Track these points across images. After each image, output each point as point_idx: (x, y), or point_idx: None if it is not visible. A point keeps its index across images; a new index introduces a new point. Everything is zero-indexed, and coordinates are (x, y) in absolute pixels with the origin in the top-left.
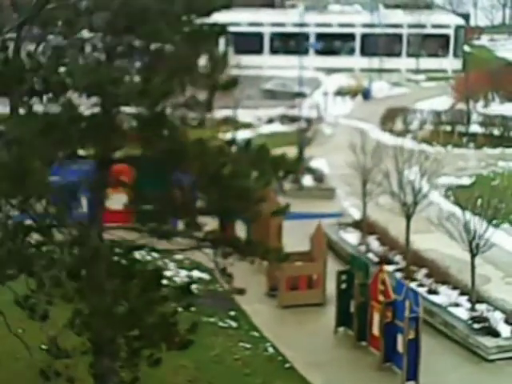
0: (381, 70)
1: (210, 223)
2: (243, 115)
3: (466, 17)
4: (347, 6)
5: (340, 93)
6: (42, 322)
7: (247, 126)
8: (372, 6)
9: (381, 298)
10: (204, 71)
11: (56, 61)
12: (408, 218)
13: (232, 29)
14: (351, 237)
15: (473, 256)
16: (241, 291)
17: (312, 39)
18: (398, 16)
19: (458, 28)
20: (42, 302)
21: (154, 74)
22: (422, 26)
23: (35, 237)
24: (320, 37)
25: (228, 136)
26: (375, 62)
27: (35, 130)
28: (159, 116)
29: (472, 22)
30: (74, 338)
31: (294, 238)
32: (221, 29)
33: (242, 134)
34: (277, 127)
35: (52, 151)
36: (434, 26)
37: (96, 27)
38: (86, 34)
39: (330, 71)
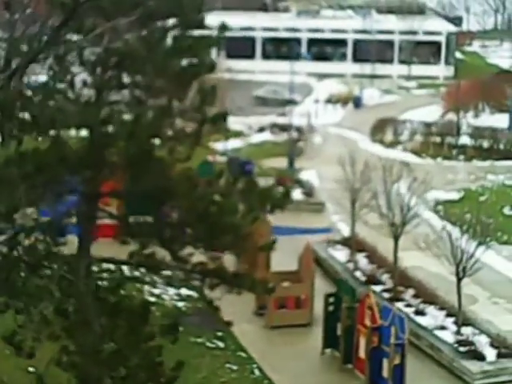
0: (372, 76)
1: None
2: (234, 123)
3: (459, 20)
4: (339, 11)
5: (331, 100)
6: (29, 359)
7: (238, 134)
8: (364, 12)
9: (367, 322)
10: (193, 105)
11: (46, 97)
12: (396, 238)
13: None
14: (340, 254)
15: (459, 279)
16: (228, 323)
17: (304, 45)
18: (391, 22)
19: (449, 35)
20: (29, 338)
21: (143, 110)
22: (414, 33)
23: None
24: (312, 42)
25: (219, 145)
26: (367, 68)
27: (24, 172)
28: (147, 152)
29: (464, 27)
30: (61, 374)
31: (283, 254)
32: (210, 66)
33: (233, 144)
34: (267, 136)
35: (41, 192)
36: (426, 33)
37: (86, 62)
38: (76, 69)
39: (322, 76)
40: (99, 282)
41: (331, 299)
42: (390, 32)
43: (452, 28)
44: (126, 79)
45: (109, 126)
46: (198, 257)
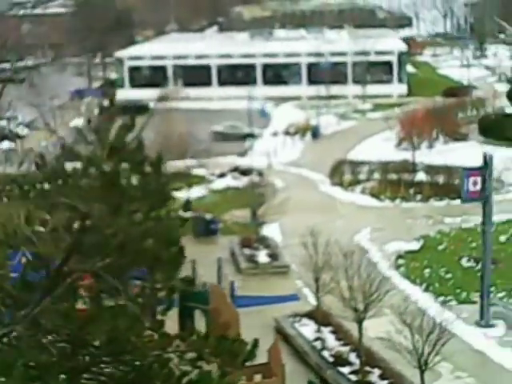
0: (328, 98)
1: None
2: (196, 167)
3: (409, 20)
4: (292, 31)
5: (289, 132)
6: None
7: (200, 180)
8: (317, 31)
9: None
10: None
11: None
12: (360, 322)
13: (180, 62)
14: (306, 330)
15: (422, 372)
16: None
17: (259, 70)
18: (343, 39)
19: (401, 54)
20: None
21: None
22: (366, 53)
23: None
24: (267, 66)
25: (182, 194)
26: (322, 90)
27: None
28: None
29: (414, 31)
30: None
31: (252, 330)
32: (180, 250)
33: (196, 191)
34: (229, 181)
35: None
36: (378, 53)
37: None
38: None
39: (279, 100)
40: None
41: None
42: (343, 54)
43: (403, 46)
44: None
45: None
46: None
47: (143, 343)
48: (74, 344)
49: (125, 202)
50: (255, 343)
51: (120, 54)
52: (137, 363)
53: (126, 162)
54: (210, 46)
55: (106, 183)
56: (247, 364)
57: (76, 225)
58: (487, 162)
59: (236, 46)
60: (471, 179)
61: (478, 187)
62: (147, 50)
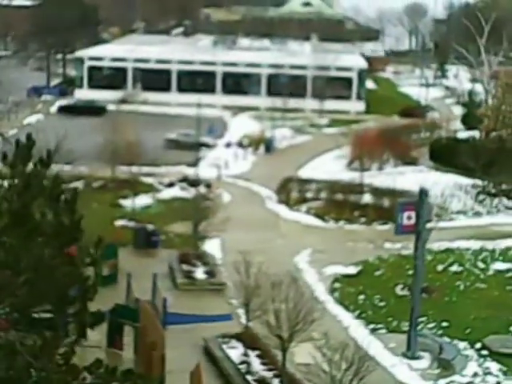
0: (286, 111)
1: None
2: (145, 174)
3: (377, 33)
4: (256, 41)
5: (242, 144)
6: None
7: (148, 189)
8: (280, 42)
9: None
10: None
11: None
12: (284, 351)
13: (140, 65)
14: (234, 353)
15: None
16: None
17: (219, 79)
18: (306, 53)
19: (361, 71)
20: None
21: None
22: (326, 68)
23: None
24: (227, 75)
25: (128, 202)
26: (280, 103)
27: None
28: None
29: (380, 46)
30: None
31: (182, 348)
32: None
33: (142, 200)
34: (176, 192)
35: None
36: (338, 69)
37: None
38: None
39: (237, 110)
40: None
41: None
42: (303, 67)
43: (364, 64)
44: None
45: None
46: None
47: (46, 377)
48: None
49: (36, 239)
50: (162, 380)
51: (80, 53)
52: None
53: (40, 198)
54: (172, 50)
55: (16, 219)
56: None
57: None
58: (422, 196)
59: (198, 53)
60: (406, 213)
61: (412, 221)
62: (108, 51)
